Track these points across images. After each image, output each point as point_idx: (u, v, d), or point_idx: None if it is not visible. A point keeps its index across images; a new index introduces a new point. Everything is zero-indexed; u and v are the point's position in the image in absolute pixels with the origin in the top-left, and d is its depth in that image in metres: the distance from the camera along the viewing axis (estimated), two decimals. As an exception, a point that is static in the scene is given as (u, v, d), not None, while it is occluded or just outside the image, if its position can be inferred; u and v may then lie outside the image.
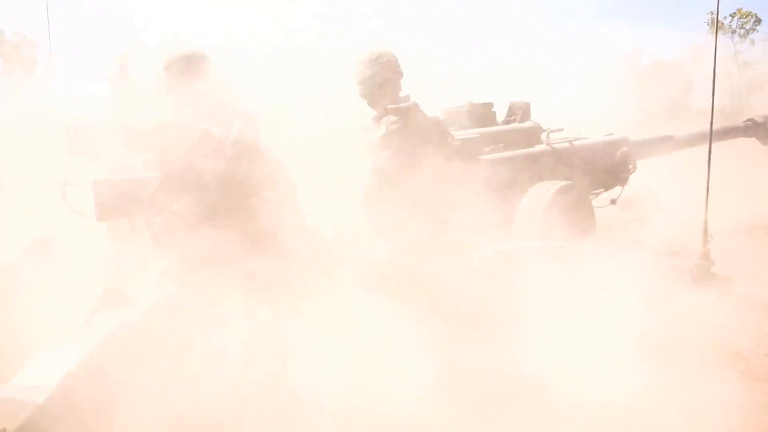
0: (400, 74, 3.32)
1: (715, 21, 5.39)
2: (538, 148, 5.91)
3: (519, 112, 6.36)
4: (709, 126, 4.87)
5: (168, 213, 2.75)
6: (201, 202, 2.61)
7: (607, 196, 6.64)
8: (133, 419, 2.31)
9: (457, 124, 6.09)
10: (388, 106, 3.23)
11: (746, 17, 33.84)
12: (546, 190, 4.82)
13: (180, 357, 2.50)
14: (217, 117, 2.72)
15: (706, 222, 4.77)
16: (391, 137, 3.05)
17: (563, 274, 4.27)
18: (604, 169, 6.24)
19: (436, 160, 3.34)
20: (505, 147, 5.99)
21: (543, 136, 6.01)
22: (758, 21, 33.76)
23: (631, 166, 6.45)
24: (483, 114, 6.08)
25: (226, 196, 2.61)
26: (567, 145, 6.00)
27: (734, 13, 33.58)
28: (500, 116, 6.49)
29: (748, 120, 8.34)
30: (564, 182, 4.99)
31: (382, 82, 3.23)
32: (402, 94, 3.40)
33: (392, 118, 3.17)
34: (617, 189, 6.51)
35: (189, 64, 2.74)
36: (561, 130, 6.20)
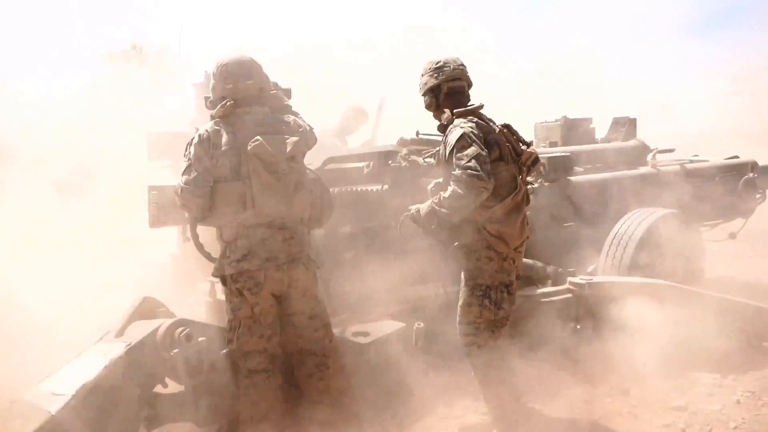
0: (460, 77, 3.01)
1: None
2: (641, 169, 5.24)
3: (623, 129, 5.71)
4: None
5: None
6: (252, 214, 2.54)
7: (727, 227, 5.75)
8: None
9: (549, 140, 5.60)
10: (456, 110, 2.93)
11: None
12: (643, 217, 4.21)
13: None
14: (269, 125, 2.62)
15: None
16: (465, 139, 2.74)
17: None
18: (723, 197, 5.39)
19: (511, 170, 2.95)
20: (604, 167, 5.40)
21: (649, 156, 5.32)
22: None
23: (759, 196, 5.54)
24: (580, 130, 5.52)
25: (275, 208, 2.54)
26: (677, 167, 5.26)
27: None
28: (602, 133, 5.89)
29: None
30: (666, 210, 4.32)
31: (449, 90, 2.94)
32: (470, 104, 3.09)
33: (460, 121, 2.87)
34: (739, 221, 5.61)
35: (230, 69, 2.66)
36: (672, 150, 5.48)
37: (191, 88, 4.82)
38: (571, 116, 5.52)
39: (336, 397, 2.85)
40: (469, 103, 3.02)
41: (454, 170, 2.72)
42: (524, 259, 4.13)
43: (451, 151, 2.78)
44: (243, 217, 2.59)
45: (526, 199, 3.01)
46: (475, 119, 2.89)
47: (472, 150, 2.72)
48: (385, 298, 3.71)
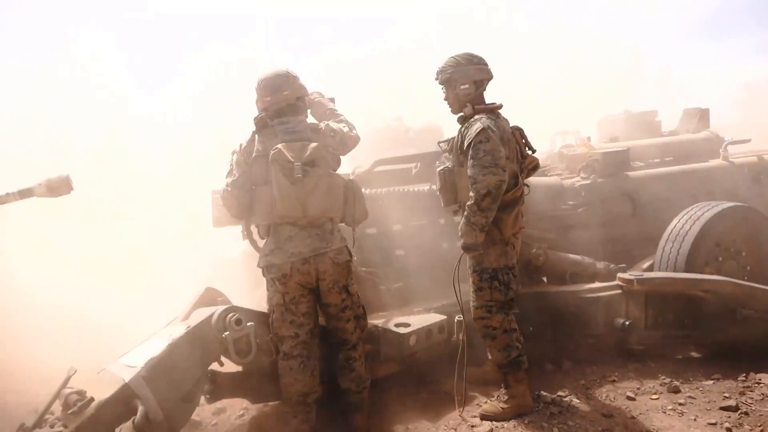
0: (489, 76, 3.16)
1: None
2: (712, 162, 5.00)
3: (694, 120, 5.45)
4: None
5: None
6: (275, 215, 2.84)
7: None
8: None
9: (611, 134, 5.48)
10: (477, 106, 3.09)
11: None
12: (702, 212, 4.04)
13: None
14: (294, 135, 2.91)
15: None
16: (485, 133, 2.92)
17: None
18: (809, 190, 5.00)
19: (513, 168, 3.10)
20: (674, 160, 5.21)
21: (721, 148, 5.06)
22: None
23: None
24: (644, 123, 5.36)
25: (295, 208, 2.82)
26: (753, 159, 4.96)
27: None
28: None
29: None
30: (729, 204, 4.12)
31: (478, 81, 3.11)
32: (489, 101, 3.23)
33: (481, 116, 3.03)
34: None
35: (267, 83, 2.97)
36: (748, 141, 5.16)
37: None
38: (634, 110, 5.37)
39: (362, 390, 3.09)
40: (488, 102, 3.17)
41: (471, 161, 2.89)
42: (572, 255, 4.17)
43: (470, 143, 2.94)
44: (271, 217, 2.91)
45: (522, 198, 3.16)
46: (494, 117, 3.03)
47: (490, 145, 2.87)
48: (431, 294, 3.90)
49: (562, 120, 5.49)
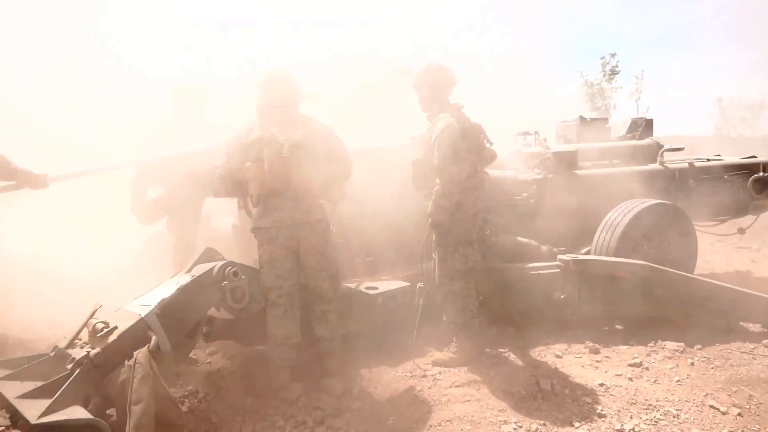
0: (453, 81, 3.81)
1: None
2: (649, 166, 5.72)
3: (639, 128, 6.17)
4: None
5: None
6: (265, 186, 3.42)
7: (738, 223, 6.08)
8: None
9: (567, 137, 6.17)
10: (442, 105, 3.74)
11: None
12: (632, 207, 4.74)
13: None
14: (287, 123, 3.49)
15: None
16: (448, 129, 3.56)
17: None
18: (733, 194, 5.75)
19: (478, 162, 3.76)
20: (621, 163, 5.91)
21: (659, 154, 5.78)
22: None
23: (769, 194, 5.83)
24: (595, 128, 6.06)
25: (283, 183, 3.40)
26: (685, 165, 5.69)
27: None
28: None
29: None
30: (655, 201, 4.82)
31: (434, 86, 3.75)
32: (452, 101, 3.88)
33: (446, 114, 3.67)
34: (750, 218, 5.93)
35: (270, 82, 3.55)
36: (681, 149, 5.88)
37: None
38: (587, 116, 6.06)
39: (334, 337, 3.70)
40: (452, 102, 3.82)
41: (436, 152, 3.53)
42: (520, 238, 4.84)
43: (437, 137, 3.58)
44: (262, 189, 3.49)
45: (482, 183, 3.84)
46: (456, 115, 3.67)
47: (452, 139, 3.52)
48: (397, 267, 4.53)
49: (528, 123, 6.15)
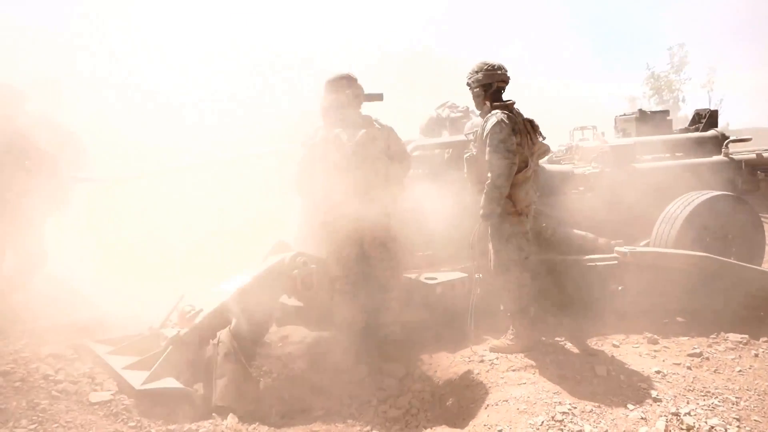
0: (505, 80, 3.95)
1: None
2: (714, 158, 5.61)
3: (702, 120, 6.05)
4: None
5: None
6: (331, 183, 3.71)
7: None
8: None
9: (626, 131, 6.14)
10: (495, 103, 3.90)
11: None
12: (692, 199, 4.70)
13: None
14: (350, 123, 3.77)
15: None
16: (499, 126, 3.73)
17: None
18: (805, 184, 5.55)
19: (530, 156, 3.90)
20: (683, 156, 5.83)
21: (724, 145, 5.67)
22: None
23: None
24: (656, 121, 6.00)
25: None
26: (751, 156, 5.54)
27: None
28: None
29: None
30: (717, 192, 4.76)
31: (486, 84, 3.92)
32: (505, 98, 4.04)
33: (497, 111, 3.83)
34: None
35: (334, 83, 3.83)
36: (748, 140, 5.73)
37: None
38: (646, 109, 6.01)
39: (396, 324, 3.93)
40: (505, 100, 3.97)
41: (488, 148, 3.69)
42: (577, 231, 4.92)
43: (488, 133, 3.75)
44: (329, 186, 3.77)
45: (535, 176, 3.95)
46: (507, 112, 3.82)
47: (503, 135, 3.67)
48: (454, 260, 4.71)
49: (593, 117, 6.20)
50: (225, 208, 5.91)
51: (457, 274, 4.44)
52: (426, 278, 4.34)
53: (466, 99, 4.67)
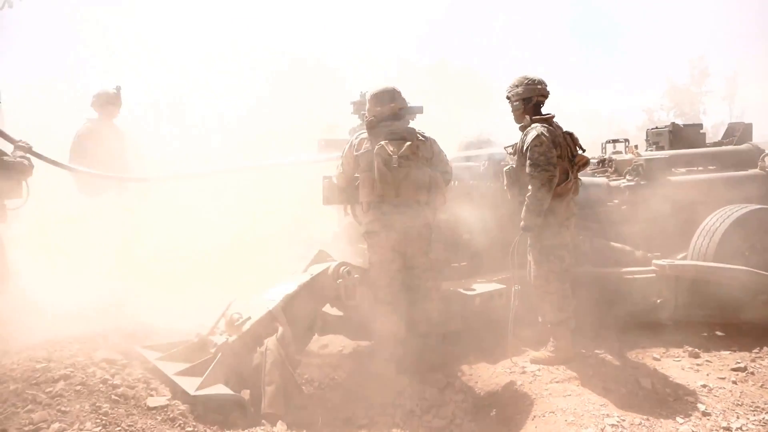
0: (545, 95, 4.00)
1: None
2: (749, 171, 5.58)
3: (737, 133, 6.04)
4: None
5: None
6: (375, 194, 3.76)
7: None
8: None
9: (658, 144, 6.14)
10: (534, 117, 3.95)
11: None
12: (733, 212, 4.68)
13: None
14: (394, 135, 3.83)
15: None
16: (539, 139, 3.77)
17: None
18: None
19: (570, 168, 3.93)
20: (717, 169, 5.81)
21: (760, 159, 5.64)
22: None
23: None
24: (689, 135, 5.99)
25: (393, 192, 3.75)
26: (789, 170, 5.51)
27: None
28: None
29: None
30: (756, 206, 4.73)
31: (527, 98, 3.97)
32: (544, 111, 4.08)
33: (537, 125, 3.88)
34: None
35: (380, 95, 3.91)
36: (785, 153, 5.69)
37: (350, 105, 6.19)
38: (680, 122, 6.00)
39: (436, 334, 3.96)
40: (544, 113, 4.02)
41: (528, 161, 3.74)
42: (614, 243, 4.92)
43: (528, 146, 3.79)
44: (372, 196, 3.83)
45: (575, 188, 3.98)
46: (547, 125, 3.87)
47: (543, 148, 3.72)
48: (489, 271, 4.73)
49: (613, 132, 6.21)
50: (260, 215, 6.00)
51: (494, 286, 4.46)
52: (464, 289, 4.37)
53: (483, 109, 4.72)
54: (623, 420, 3.08)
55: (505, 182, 4.20)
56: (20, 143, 4.57)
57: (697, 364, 3.93)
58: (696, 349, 4.12)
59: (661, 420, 3.10)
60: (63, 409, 2.65)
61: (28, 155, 4.32)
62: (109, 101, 5.77)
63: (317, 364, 4.14)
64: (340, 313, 4.12)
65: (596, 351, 4.13)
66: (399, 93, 4.00)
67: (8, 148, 4.28)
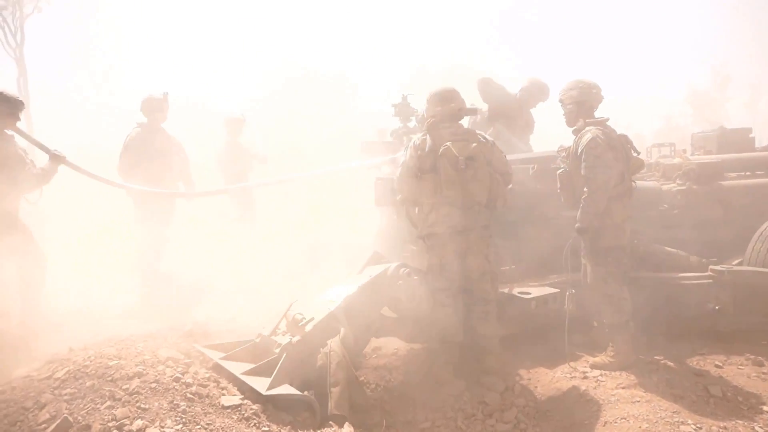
0: (599, 98, 3.97)
1: None
2: (803, 177, 5.47)
3: (786, 138, 5.91)
4: None
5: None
6: (440, 196, 3.74)
7: None
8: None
9: (705, 148, 6.04)
10: (588, 120, 3.92)
11: None
12: (791, 218, 4.58)
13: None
14: (457, 136, 3.80)
15: None
16: (594, 141, 3.74)
17: None
18: None
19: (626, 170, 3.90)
20: (766, 174, 5.70)
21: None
22: None
23: None
24: (738, 139, 5.89)
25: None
26: None
27: None
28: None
29: None
30: (816, 212, 4.64)
31: (580, 102, 3.95)
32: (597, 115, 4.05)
33: (591, 128, 3.84)
34: None
35: (440, 95, 3.88)
36: (837, 159, 5.57)
37: (392, 107, 6.18)
38: (728, 126, 5.91)
39: (494, 336, 3.91)
40: (597, 116, 3.99)
41: (584, 163, 3.71)
42: (669, 248, 4.84)
43: (583, 149, 3.76)
44: (435, 198, 3.79)
45: (630, 191, 3.97)
46: (601, 128, 3.84)
47: (598, 150, 3.70)
48: (543, 274, 4.68)
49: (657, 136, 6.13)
50: (307, 221, 6.01)
51: (548, 289, 4.40)
52: (519, 293, 4.32)
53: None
54: (700, 428, 3.02)
55: (559, 185, 4.16)
56: (55, 152, 4.69)
57: (763, 373, 3.84)
58: (759, 357, 4.03)
59: (739, 429, 3.03)
60: (142, 406, 2.64)
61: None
62: (156, 107, 5.81)
63: (373, 366, 4.11)
64: (395, 315, 4.10)
65: (656, 357, 4.06)
66: (458, 93, 3.97)
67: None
